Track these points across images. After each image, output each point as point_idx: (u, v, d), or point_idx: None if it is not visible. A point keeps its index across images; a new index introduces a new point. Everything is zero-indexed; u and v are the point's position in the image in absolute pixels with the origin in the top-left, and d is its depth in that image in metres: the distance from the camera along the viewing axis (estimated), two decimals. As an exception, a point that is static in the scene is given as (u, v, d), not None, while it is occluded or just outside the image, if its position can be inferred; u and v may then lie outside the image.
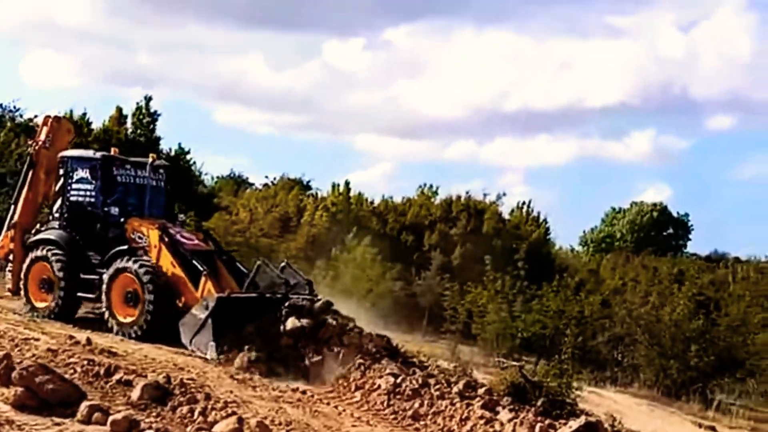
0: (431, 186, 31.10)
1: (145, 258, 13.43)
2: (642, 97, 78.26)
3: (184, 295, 13.05)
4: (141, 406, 9.15)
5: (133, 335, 12.91)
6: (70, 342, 11.59)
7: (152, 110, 27.57)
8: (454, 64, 78.70)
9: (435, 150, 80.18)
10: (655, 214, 51.72)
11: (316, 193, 32.34)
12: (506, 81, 78.78)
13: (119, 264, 13.38)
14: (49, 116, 16.28)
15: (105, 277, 13.47)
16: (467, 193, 30.22)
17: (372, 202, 30.16)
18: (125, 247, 13.67)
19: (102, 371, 10.04)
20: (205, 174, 33.56)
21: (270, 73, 79.29)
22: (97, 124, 26.85)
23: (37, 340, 11.59)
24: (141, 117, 27.27)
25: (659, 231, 51.83)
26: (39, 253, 14.39)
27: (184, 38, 76.06)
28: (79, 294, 14.12)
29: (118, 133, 25.94)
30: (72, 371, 10.01)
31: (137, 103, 27.71)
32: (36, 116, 25.36)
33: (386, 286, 20.53)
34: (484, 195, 30.40)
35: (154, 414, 9.00)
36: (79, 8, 72.49)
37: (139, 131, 26.98)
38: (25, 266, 14.54)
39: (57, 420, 8.23)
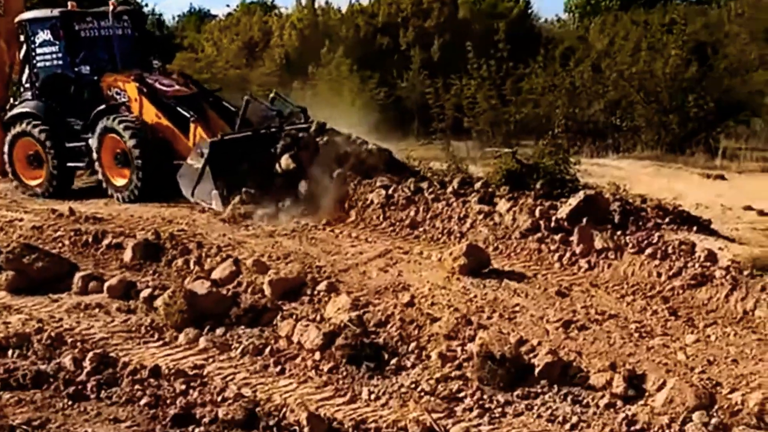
0: (399, -21, 29.51)
1: (126, 115, 12.69)
2: None
3: (175, 145, 12.34)
4: (135, 267, 9.05)
5: (130, 198, 12.40)
6: (54, 216, 11.32)
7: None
8: None
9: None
10: (637, -36, 49.64)
11: (281, 12, 30.97)
12: None
13: (102, 125, 12.63)
14: None
15: (91, 142, 12.81)
16: (438, -21, 28.73)
17: (339, 10, 28.91)
18: (104, 107, 12.90)
19: (90, 239, 9.85)
20: (161, 15, 32.04)
21: None
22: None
23: (21, 220, 11.32)
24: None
25: (644, -18, 49.96)
26: (20, 128, 13.53)
27: None
28: (69, 164, 13.51)
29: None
30: (60, 245, 9.86)
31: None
32: None
33: (369, 95, 19.93)
34: (455, -22, 28.93)
35: (149, 272, 8.91)
36: None
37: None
38: (6, 144, 13.83)
39: (54, 296, 8.21)
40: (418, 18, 27.24)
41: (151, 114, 12.56)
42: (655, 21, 28.68)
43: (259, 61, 25.56)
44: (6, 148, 13.82)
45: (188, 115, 12.19)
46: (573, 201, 9.41)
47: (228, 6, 35.11)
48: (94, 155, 12.77)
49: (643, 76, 20.11)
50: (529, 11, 30.41)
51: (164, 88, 12.97)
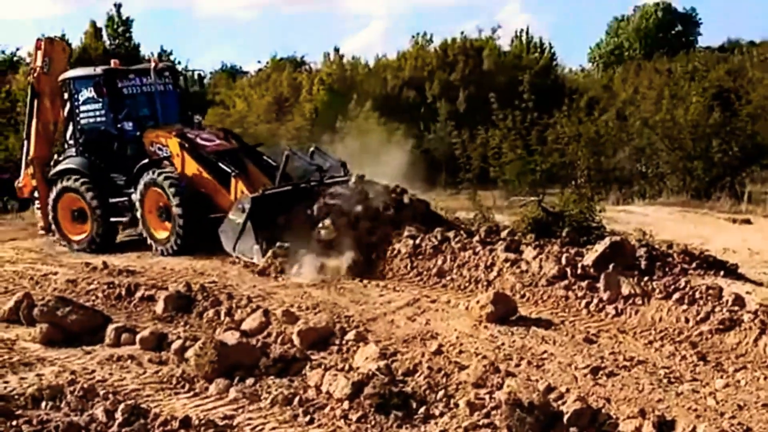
0: (425, 34, 30.13)
1: (169, 169, 12.83)
2: None
3: (216, 199, 12.50)
4: (167, 319, 9.19)
5: (171, 250, 12.50)
6: (88, 269, 11.56)
7: (125, 17, 26.73)
8: None
9: (427, -3, 77.82)
10: (660, 14, 50.06)
11: (310, 68, 31.57)
12: None
13: (145, 179, 12.77)
14: (40, 39, 15.26)
15: (134, 196, 13.00)
16: (462, 33, 29.29)
17: (367, 65, 29.43)
18: (147, 161, 13.12)
19: (123, 292, 10.05)
20: (202, 72, 32.74)
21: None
22: (76, 44, 26.12)
23: (56, 274, 11.56)
24: (115, 27, 26.45)
25: (667, 31, 50.32)
26: (64, 184, 13.78)
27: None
28: (112, 219, 13.67)
29: (96, 49, 25.23)
30: (94, 297, 10.05)
31: (108, 13, 26.84)
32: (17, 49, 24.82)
33: (396, 147, 20.12)
34: (479, 32, 29.48)
35: (181, 324, 9.04)
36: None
37: (117, 41, 26.22)
38: (51, 201, 13.99)
39: (87, 349, 8.32)
40: (443, 71, 27.64)
41: (192, 168, 12.75)
42: (678, 69, 28.87)
43: (289, 116, 26.00)
44: (50, 204, 14.04)
45: (229, 170, 12.39)
46: (599, 248, 9.45)
47: (259, 62, 35.71)
48: (137, 208, 12.95)
49: (667, 123, 20.19)
50: (554, 62, 30.72)
51: (205, 143, 13.21)
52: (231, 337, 7.87)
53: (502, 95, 21.17)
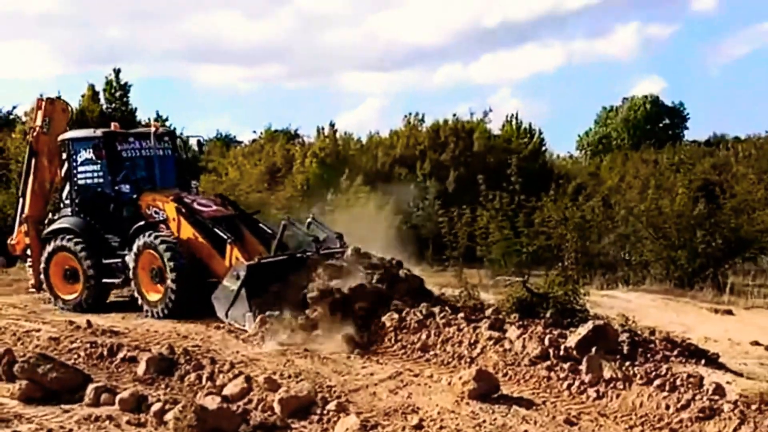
0: (417, 114, 30.71)
1: (165, 232, 12.90)
2: (623, -11, 77.18)
3: (211, 265, 12.50)
4: (148, 381, 9.16)
5: (163, 313, 12.47)
6: (71, 327, 11.52)
7: (123, 82, 27.16)
8: (427, -12, 77.58)
9: (422, 78, 79.80)
10: (648, 106, 51.28)
11: (303, 141, 32.05)
12: (482, -3, 77.66)
13: (141, 241, 12.81)
14: (41, 99, 15.49)
15: (128, 258, 12.99)
16: (454, 115, 29.89)
17: (359, 140, 29.93)
18: (143, 223, 13.15)
19: (105, 352, 10.03)
20: (202, 138, 33.02)
21: (243, 27, 78.39)
22: (74, 106, 26.42)
23: (38, 330, 11.51)
24: (113, 91, 26.86)
25: (655, 123, 51.45)
26: (58, 243, 13.82)
27: (152, 6, 74.93)
28: (105, 281, 13.65)
29: (93, 112, 25.56)
30: (76, 356, 10.03)
31: (106, 78, 27.29)
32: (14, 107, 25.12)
33: (385, 222, 20.36)
34: (471, 114, 30.09)
35: (162, 386, 9.01)
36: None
37: (114, 105, 26.59)
38: (44, 259, 14.00)
39: (65, 407, 8.27)
40: (434, 151, 28.10)
41: (188, 233, 12.78)
42: (664, 160, 29.53)
43: (281, 186, 26.28)
44: (43, 263, 14.00)
45: (225, 236, 12.43)
46: (582, 330, 9.55)
47: (255, 132, 36.14)
48: (131, 270, 12.92)
49: (652, 212, 20.55)
50: (543, 147, 31.32)
51: (202, 209, 13.25)
52: (212, 402, 7.86)
53: (491, 177, 21.55)
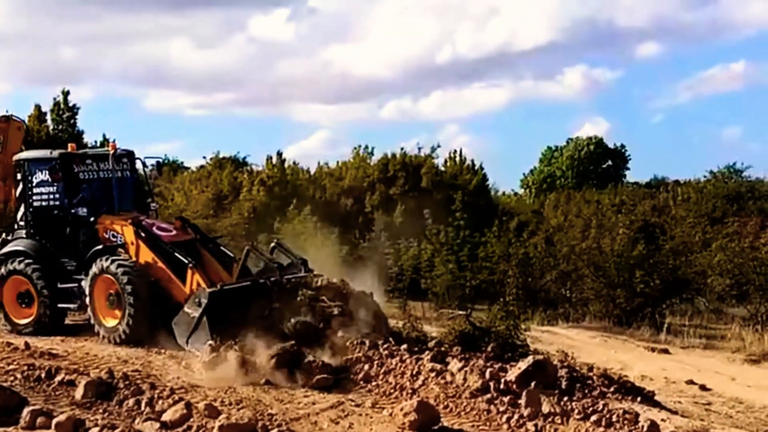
0: (366, 147, 30.94)
1: (123, 257, 12.42)
2: (570, 34, 79.28)
3: (171, 290, 12.08)
4: (86, 405, 8.98)
5: (120, 338, 11.98)
6: (9, 349, 11.21)
7: (71, 104, 26.85)
8: (381, 23, 78.76)
9: (372, 111, 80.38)
10: (591, 147, 52.36)
11: (251, 169, 31.98)
12: (435, 34, 79.14)
13: (97, 266, 12.32)
14: None
15: (84, 283, 12.51)
16: (402, 150, 30.20)
17: (308, 171, 30.04)
18: (101, 247, 12.65)
19: (43, 374, 9.79)
20: (162, 159, 32.62)
21: (196, 54, 78.22)
22: (19, 125, 26.00)
23: (-26, 352, 11.22)
24: (60, 112, 26.50)
25: (598, 164, 52.55)
26: (11, 266, 13.26)
27: (105, 29, 74.35)
28: (60, 305, 13.08)
29: (38, 132, 25.19)
30: (12, 378, 9.76)
31: (54, 99, 26.93)
32: None
33: (331, 251, 20.45)
34: (419, 149, 30.44)
35: (100, 411, 8.84)
36: (-5, 11, 70.08)
37: (60, 127, 26.23)
38: None
39: (0, 429, 8.04)
40: (383, 184, 28.31)
41: (147, 257, 12.42)
42: (606, 201, 30.22)
43: (227, 213, 26.16)
44: None
45: (185, 261, 12.09)
46: (522, 365, 9.69)
47: (203, 158, 35.78)
48: (87, 294, 12.47)
49: (593, 251, 21.00)
50: (486, 184, 31.74)
51: (161, 233, 12.86)
52: (150, 428, 7.80)
53: (438, 211, 21.82)
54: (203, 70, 75.36)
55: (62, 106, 26.70)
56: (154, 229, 12.94)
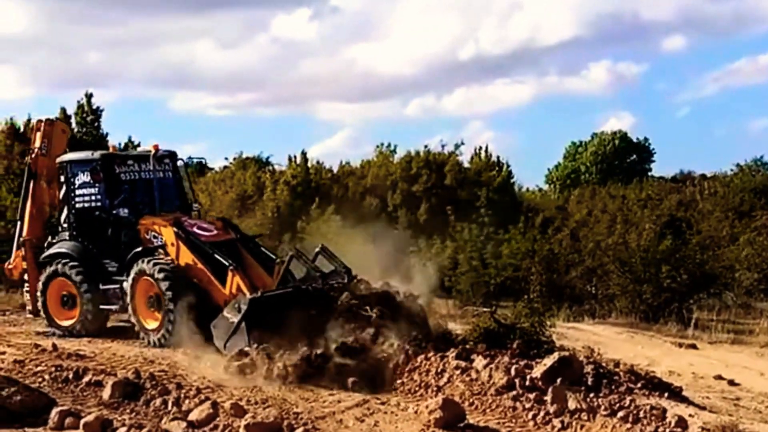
0: (389, 145, 30.92)
1: (162, 258, 12.42)
2: (595, 28, 78.78)
3: (210, 292, 12.02)
4: (113, 405, 9.09)
5: (161, 341, 11.99)
6: (37, 351, 11.39)
7: (95, 107, 27.07)
8: (404, 21, 78.72)
9: (395, 109, 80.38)
10: (616, 142, 51.99)
11: (274, 169, 32.09)
12: (458, 31, 79.02)
13: (137, 267, 12.34)
14: (41, 120, 14.97)
15: (126, 284, 12.52)
16: (426, 147, 30.12)
17: (331, 169, 30.08)
18: (140, 249, 12.66)
19: (71, 375, 9.93)
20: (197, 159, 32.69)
21: (220, 55, 78.61)
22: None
23: (3, 353, 11.36)
24: (84, 115, 26.72)
25: (622, 159, 52.17)
26: (55, 268, 13.38)
27: (130, 33, 74.96)
28: (102, 306, 13.15)
29: (64, 134, 25.40)
30: (41, 379, 9.91)
31: (78, 102, 27.16)
32: None
33: (356, 250, 20.47)
34: (442, 146, 30.34)
35: (127, 411, 8.96)
36: (18, 16, 70.92)
37: (85, 129, 26.46)
38: (41, 284, 13.57)
39: (29, 430, 8.22)
40: (406, 182, 28.25)
41: (187, 258, 12.36)
42: (632, 196, 29.97)
43: (251, 213, 26.25)
44: (40, 288, 13.60)
45: (226, 263, 11.99)
46: (548, 361, 9.64)
47: (226, 159, 36.01)
48: (128, 297, 12.50)
49: (619, 247, 20.83)
50: (511, 180, 31.58)
51: (202, 233, 12.79)
52: (177, 427, 7.86)
53: (462, 209, 21.76)
54: (227, 71, 75.87)
55: (86, 108, 26.93)
56: (194, 229, 12.86)
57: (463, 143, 31.09)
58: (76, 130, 26.37)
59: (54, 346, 11.59)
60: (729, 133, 76.11)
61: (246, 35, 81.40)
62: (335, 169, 30.64)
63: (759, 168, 40.05)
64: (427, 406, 8.61)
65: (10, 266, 14.90)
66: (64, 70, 71.10)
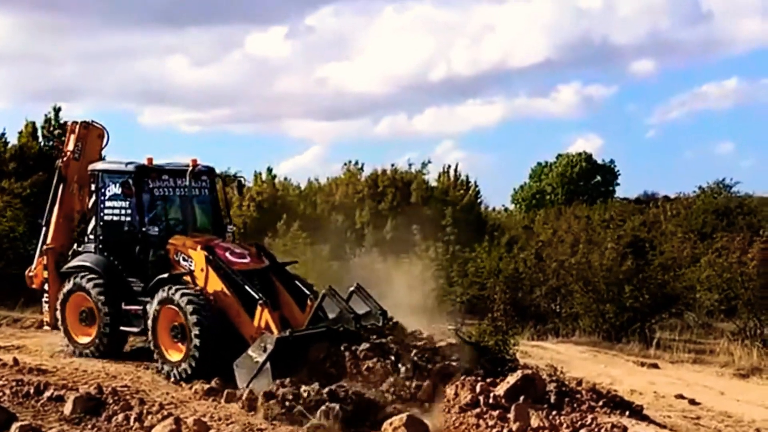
0: (356, 163, 30.96)
1: (190, 288, 11.55)
2: (566, 51, 79.85)
3: (238, 324, 11.30)
4: (74, 420, 9.05)
5: (182, 375, 11.11)
6: (-3, 365, 11.25)
7: (62, 121, 26.77)
8: (377, 41, 79.39)
9: (366, 128, 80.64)
10: (582, 164, 52.58)
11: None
12: (430, 52, 79.60)
13: (162, 295, 11.51)
14: (75, 122, 14.09)
15: (149, 309, 11.71)
16: (392, 166, 30.23)
17: (298, 186, 30.07)
18: (166, 275, 11.87)
19: (32, 390, 9.84)
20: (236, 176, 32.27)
21: (193, 71, 78.40)
22: (15, 143, 25.86)
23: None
24: (51, 129, 26.42)
25: (588, 180, 52.77)
26: (76, 281, 12.63)
27: (103, 47, 74.47)
28: (122, 328, 12.40)
29: (31, 149, 25.15)
30: (1, 394, 9.77)
31: (45, 115, 26.85)
32: None
33: (322, 268, 20.48)
34: (409, 165, 30.48)
35: (89, 426, 8.94)
36: (-10, 30, 70.03)
37: (51, 143, 26.15)
38: (61, 296, 12.84)
39: (-12, 446, 8.06)
40: (373, 200, 28.33)
41: (216, 286, 11.62)
42: (596, 217, 30.31)
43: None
44: (59, 301, 12.90)
45: (256, 296, 11.29)
46: (511, 379, 9.75)
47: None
48: (150, 323, 11.69)
49: (582, 266, 21.06)
50: (478, 200, 31.81)
51: (234, 260, 11.99)
52: (139, 443, 7.79)
53: (428, 227, 21.85)
54: (199, 87, 75.64)
55: (53, 122, 26.61)
56: (227, 254, 12.05)
57: (430, 162, 31.23)
58: (42, 144, 26.10)
59: (15, 360, 11.44)
60: (695, 156, 77.56)
61: (219, 52, 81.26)
62: (303, 186, 30.67)
63: (721, 190, 40.72)
64: (391, 423, 8.64)
65: (30, 273, 14.02)
66: (37, 83, 70.34)
